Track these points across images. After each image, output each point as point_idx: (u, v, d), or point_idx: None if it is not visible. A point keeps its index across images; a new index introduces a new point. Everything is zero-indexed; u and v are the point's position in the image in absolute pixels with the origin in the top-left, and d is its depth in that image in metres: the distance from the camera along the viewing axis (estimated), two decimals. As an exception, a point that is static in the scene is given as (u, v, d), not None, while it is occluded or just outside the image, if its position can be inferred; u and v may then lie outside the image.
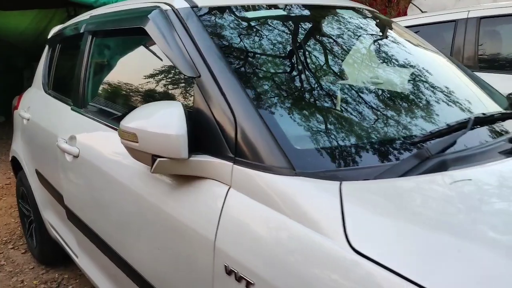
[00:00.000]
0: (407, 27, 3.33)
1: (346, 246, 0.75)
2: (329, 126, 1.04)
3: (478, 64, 2.84)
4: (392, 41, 1.54)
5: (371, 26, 1.58)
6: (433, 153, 0.95)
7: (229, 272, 0.92)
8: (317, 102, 1.12)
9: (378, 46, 1.47)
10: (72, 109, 1.81)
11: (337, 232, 0.78)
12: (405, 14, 5.56)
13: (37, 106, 2.28)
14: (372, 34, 1.52)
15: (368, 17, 1.61)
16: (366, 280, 0.71)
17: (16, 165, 2.66)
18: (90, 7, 4.47)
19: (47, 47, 2.53)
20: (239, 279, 0.90)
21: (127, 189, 1.28)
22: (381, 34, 1.55)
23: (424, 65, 1.51)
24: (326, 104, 1.13)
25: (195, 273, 1.03)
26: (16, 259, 2.64)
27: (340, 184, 0.86)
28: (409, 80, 1.36)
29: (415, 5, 4.82)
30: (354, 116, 1.11)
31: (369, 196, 0.84)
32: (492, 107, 1.45)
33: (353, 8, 1.60)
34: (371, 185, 0.87)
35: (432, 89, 1.34)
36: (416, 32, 3.10)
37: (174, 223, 1.09)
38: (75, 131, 1.67)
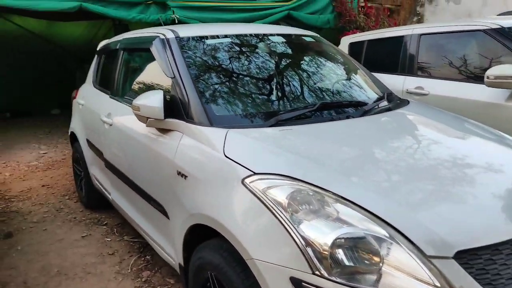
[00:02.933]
0: (372, 40, 4.14)
1: (222, 154, 1.68)
2: (232, 105, 1.98)
3: (416, 70, 3.62)
4: (304, 53, 2.44)
5: (294, 45, 2.49)
6: (283, 118, 1.85)
7: (178, 173, 1.87)
8: (228, 93, 2.06)
9: (289, 55, 2.38)
10: (110, 97, 2.85)
11: (220, 149, 1.70)
12: (395, 24, 6.23)
13: (88, 96, 3.36)
14: (290, 51, 2.43)
15: (292, 39, 2.52)
16: (228, 167, 1.62)
17: (73, 138, 3.75)
18: (129, 21, 5.60)
19: (96, 56, 3.61)
20: (182, 175, 1.84)
21: (136, 140, 2.27)
22: (298, 50, 2.46)
23: (324, 68, 2.40)
24: (233, 94, 2.06)
25: (164, 177, 1.98)
26: (71, 206, 3.73)
27: (228, 129, 1.78)
28: (301, 76, 2.26)
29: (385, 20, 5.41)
30: (248, 99, 2.03)
31: (239, 134, 1.76)
32: (371, 96, 2.32)
33: (282, 35, 2.51)
34: (243, 129, 1.79)
35: (318, 83, 2.24)
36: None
37: (156, 153, 2.06)
38: (110, 110, 2.69)
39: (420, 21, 9.75)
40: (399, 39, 3.81)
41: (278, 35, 2.50)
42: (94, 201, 3.53)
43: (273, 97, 2.09)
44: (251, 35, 2.43)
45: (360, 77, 2.56)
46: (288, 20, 5.95)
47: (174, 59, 2.14)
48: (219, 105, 1.98)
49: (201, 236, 1.78)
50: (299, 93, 2.15)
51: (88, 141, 3.25)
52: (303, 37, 2.64)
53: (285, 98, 2.09)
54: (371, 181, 1.48)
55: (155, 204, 2.13)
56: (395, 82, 3.62)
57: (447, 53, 3.48)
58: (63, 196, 3.96)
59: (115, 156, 2.63)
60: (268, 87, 2.14)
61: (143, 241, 2.92)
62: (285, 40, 2.49)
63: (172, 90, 2.08)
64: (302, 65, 2.39)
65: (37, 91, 8.33)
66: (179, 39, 2.27)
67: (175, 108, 2.02)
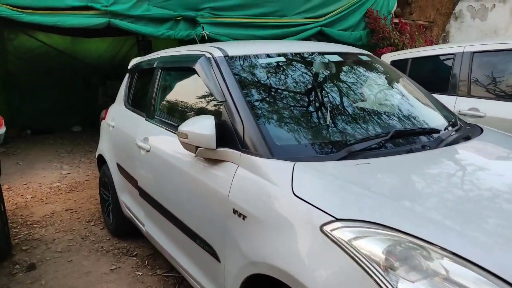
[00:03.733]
0: (417, 58, 3.90)
1: (291, 193, 1.43)
2: (294, 132, 1.74)
3: (470, 90, 3.34)
4: (363, 73, 2.20)
5: (352, 65, 2.25)
6: (356, 149, 1.60)
7: (234, 212, 1.62)
8: (289, 119, 1.82)
9: (348, 76, 2.14)
10: (145, 119, 2.64)
11: (287, 186, 1.45)
12: (431, 42, 5.98)
13: (120, 117, 3.16)
14: (346, 69, 2.20)
15: (349, 58, 2.28)
16: (300, 209, 1.37)
17: (100, 161, 3.55)
18: (156, 38, 5.48)
19: (127, 74, 3.43)
20: (239, 215, 1.59)
21: (179, 169, 2.04)
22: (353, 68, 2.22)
23: (386, 90, 2.15)
24: (294, 119, 1.82)
25: (216, 215, 1.74)
26: (97, 233, 3.51)
27: (295, 163, 1.53)
28: (364, 100, 2.01)
29: (432, 40, 5.15)
30: (312, 125, 1.78)
31: (309, 168, 1.51)
32: (439, 122, 2.05)
33: (338, 53, 2.27)
34: (312, 164, 1.54)
35: (383, 108, 1.98)
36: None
37: (206, 186, 1.81)
38: (147, 134, 2.47)
39: (445, 38, 9.48)
40: (449, 57, 3.55)
41: (334, 53, 2.27)
42: (123, 229, 3.30)
43: (340, 124, 1.84)
44: (306, 53, 2.20)
45: (423, 100, 2.30)
46: (320, 36, 5.77)
47: (225, 81, 1.92)
48: (279, 133, 1.74)
49: (261, 284, 1.52)
50: (367, 119, 1.90)
51: (119, 165, 3.04)
52: (359, 56, 2.40)
53: (353, 124, 1.84)
54: (478, 230, 1.21)
55: (202, 244, 1.89)
56: (445, 103, 3.33)
57: (505, 72, 3.21)
58: (88, 222, 3.74)
59: (153, 186, 2.40)
60: (331, 111, 1.89)
61: (178, 276, 2.67)
62: (342, 59, 2.25)
63: (223, 115, 1.85)
64: (364, 87, 2.14)
65: (58, 107, 8.30)
66: (228, 58, 2.05)
67: (227, 135, 1.78)
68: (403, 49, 5.77)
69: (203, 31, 4.98)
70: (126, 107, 3.18)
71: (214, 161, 1.81)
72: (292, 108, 1.88)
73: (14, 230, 3.55)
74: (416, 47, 5.85)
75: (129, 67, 3.43)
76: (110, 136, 3.26)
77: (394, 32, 5.93)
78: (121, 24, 4.81)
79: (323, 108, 1.90)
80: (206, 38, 4.97)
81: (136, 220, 2.81)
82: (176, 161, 2.09)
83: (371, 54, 2.56)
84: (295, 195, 1.41)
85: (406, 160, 1.61)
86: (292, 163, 1.53)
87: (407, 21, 6.34)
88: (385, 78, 2.33)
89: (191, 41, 5.02)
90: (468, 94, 3.35)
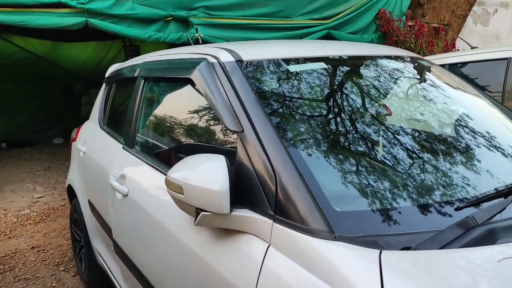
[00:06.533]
0: (456, 64, 3.26)
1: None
2: (369, 187, 1.04)
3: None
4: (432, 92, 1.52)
5: (410, 74, 1.57)
6: (479, 222, 0.92)
7: (265, 331, 0.93)
8: (359, 162, 1.13)
9: (416, 97, 1.46)
10: (123, 147, 1.93)
11: (375, 304, 0.77)
12: (453, 46, 5.40)
13: (92, 140, 2.44)
14: (409, 83, 1.52)
15: (408, 63, 1.61)
16: None
17: (71, 193, 2.83)
18: (143, 41, 4.79)
19: (104, 85, 2.72)
20: None
21: (171, 234, 1.34)
22: (418, 82, 1.54)
23: (469, 113, 1.48)
24: (367, 165, 1.13)
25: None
26: (67, 282, 2.78)
27: (380, 253, 0.85)
28: (452, 133, 1.33)
29: (463, 40, 4.63)
30: (395, 177, 1.10)
31: (409, 268, 0.82)
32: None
33: (390, 57, 1.60)
34: (411, 256, 0.85)
35: (483, 142, 1.30)
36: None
37: (214, 273, 1.12)
38: (125, 170, 1.77)
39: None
40: (501, 63, 2.92)
41: (394, 57, 1.59)
42: (97, 280, 2.57)
43: (436, 171, 1.14)
44: (354, 57, 1.52)
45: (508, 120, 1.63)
46: (327, 40, 5.13)
47: (239, 99, 1.23)
48: (340, 188, 1.06)
49: None
50: (476, 163, 1.21)
51: (90, 203, 2.32)
52: (419, 61, 1.72)
53: (459, 171, 1.15)
54: None
55: None
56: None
57: None
58: (57, 266, 3.01)
59: (132, 246, 1.69)
60: (424, 148, 1.21)
61: None
62: (405, 66, 1.58)
63: (239, 154, 1.16)
64: (445, 108, 1.46)
65: (38, 118, 7.61)
66: (242, 64, 1.37)
67: (247, 187, 1.10)
68: (421, 55, 5.17)
69: (196, 33, 4.30)
70: (101, 127, 2.46)
71: (228, 231, 1.12)
72: (355, 143, 1.20)
73: (-40, 281, 2.81)
74: (435, 53, 5.25)
75: (106, 75, 2.72)
76: (80, 165, 2.54)
77: (410, 36, 5.31)
78: (101, 25, 4.10)
79: (408, 142, 1.21)
80: (200, 42, 4.29)
81: (112, 278, 2.10)
82: (165, 221, 1.39)
83: (423, 57, 1.90)
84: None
85: None
86: (374, 253, 0.85)
87: (423, 23, 5.73)
88: (462, 93, 1.65)
89: (182, 46, 4.35)
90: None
